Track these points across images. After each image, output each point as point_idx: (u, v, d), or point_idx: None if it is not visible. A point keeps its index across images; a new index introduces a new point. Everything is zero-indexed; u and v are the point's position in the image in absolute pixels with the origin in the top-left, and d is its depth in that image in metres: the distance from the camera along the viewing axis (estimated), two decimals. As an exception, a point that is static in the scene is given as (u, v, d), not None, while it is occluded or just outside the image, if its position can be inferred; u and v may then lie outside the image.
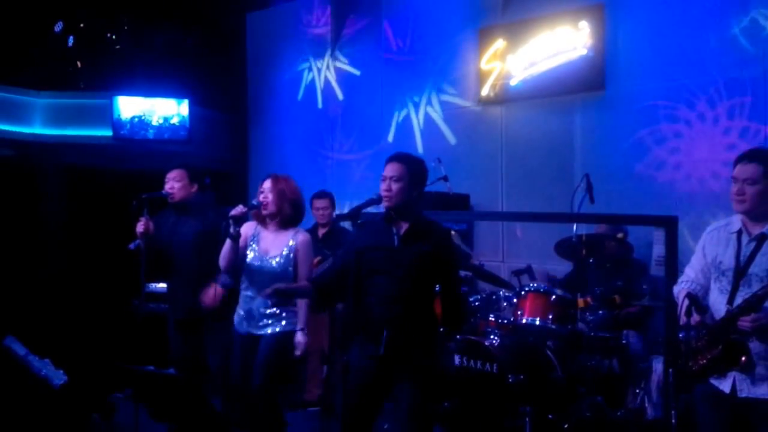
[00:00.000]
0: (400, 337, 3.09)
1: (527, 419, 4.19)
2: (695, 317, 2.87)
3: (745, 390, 2.79)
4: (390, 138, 7.12)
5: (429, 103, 6.80)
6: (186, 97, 8.04)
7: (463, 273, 5.07)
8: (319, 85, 7.80)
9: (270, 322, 3.86)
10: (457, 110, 6.61)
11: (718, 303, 2.91)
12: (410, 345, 3.12)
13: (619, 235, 4.92)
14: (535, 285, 4.79)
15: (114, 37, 8.29)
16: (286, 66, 8.16)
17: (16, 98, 7.61)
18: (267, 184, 3.91)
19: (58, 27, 7.95)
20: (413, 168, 3.19)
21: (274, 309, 3.86)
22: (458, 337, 4.44)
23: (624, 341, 4.54)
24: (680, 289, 3.04)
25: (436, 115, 6.76)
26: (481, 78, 6.36)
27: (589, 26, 5.62)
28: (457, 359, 4.50)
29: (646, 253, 4.99)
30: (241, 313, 3.94)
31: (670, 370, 3.13)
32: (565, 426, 4.29)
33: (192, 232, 4.35)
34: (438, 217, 3.42)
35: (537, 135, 6.03)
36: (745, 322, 2.72)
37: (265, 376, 3.80)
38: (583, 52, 5.67)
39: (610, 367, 4.55)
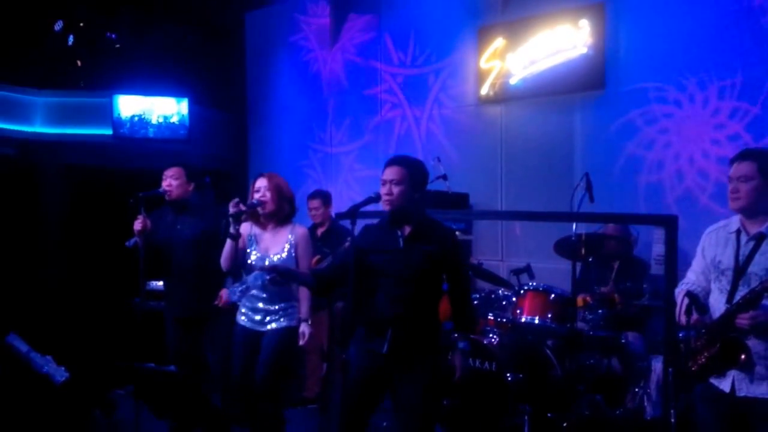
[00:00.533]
0: (404, 336, 3.10)
1: (526, 418, 4.20)
2: (695, 316, 2.88)
3: (744, 389, 2.79)
4: (387, 132, 7.14)
5: (429, 102, 6.81)
6: (186, 96, 8.05)
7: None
8: (321, 78, 7.82)
9: (273, 318, 3.88)
10: (456, 109, 6.62)
11: (718, 303, 2.91)
12: (414, 344, 3.13)
13: (632, 239, 4.94)
14: (534, 284, 4.80)
15: (114, 36, 8.28)
16: (285, 64, 8.17)
17: (16, 97, 7.60)
18: (262, 183, 3.90)
19: (58, 26, 7.94)
20: (413, 170, 3.19)
21: (276, 306, 3.88)
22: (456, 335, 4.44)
23: (623, 340, 4.55)
24: (680, 290, 3.04)
25: (436, 113, 6.76)
26: (480, 77, 6.36)
27: (590, 25, 5.63)
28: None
29: (643, 251, 5.03)
30: (244, 310, 3.95)
31: (670, 369, 3.13)
32: (564, 425, 4.29)
33: (191, 230, 4.36)
34: (437, 216, 3.42)
35: (537, 134, 6.04)
36: (743, 319, 2.72)
37: (270, 372, 3.81)
38: (584, 50, 5.67)
39: (610, 366, 4.56)
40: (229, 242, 3.76)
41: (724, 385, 2.84)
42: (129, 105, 7.88)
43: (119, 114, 7.84)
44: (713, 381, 2.89)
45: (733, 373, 2.81)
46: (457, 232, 3.45)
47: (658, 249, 4.10)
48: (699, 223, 3.37)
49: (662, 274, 3.68)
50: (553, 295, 4.60)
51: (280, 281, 3.65)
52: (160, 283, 5.52)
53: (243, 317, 3.95)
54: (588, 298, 4.79)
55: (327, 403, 4.90)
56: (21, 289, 6.67)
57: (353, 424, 3.18)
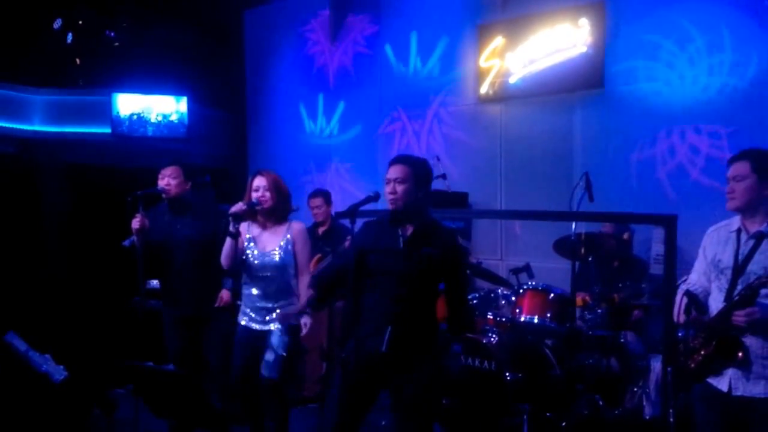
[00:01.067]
0: (402, 335, 3.10)
1: (525, 417, 4.20)
2: (694, 315, 2.88)
3: (740, 388, 2.79)
4: (387, 132, 7.14)
5: (428, 101, 6.81)
6: (185, 95, 8.05)
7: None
8: (321, 76, 7.81)
9: (275, 317, 3.88)
10: (456, 108, 6.62)
11: (716, 302, 2.92)
12: (412, 343, 3.13)
13: (625, 236, 4.94)
14: (534, 283, 4.80)
15: (113, 34, 8.27)
16: (284, 63, 8.16)
17: (16, 95, 7.60)
18: (260, 181, 3.88)
19: (57, 24, 7.93)
20: (417, 169, 3.20)
21: (277, 303, 3.88)
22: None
23: (622, 340, 4.55)
24: (680, 290, 3.04)
25: (435, 112, 6.76)
26: (480, 75, 6.36)
27: (590, 24, 5.63)
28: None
29: (642, 250, 5.03)
30: (246, 310, 3.94)
31: (669, 368, 3.13)
32: (563, 424, 4.29)
33: (190, 229, 4.35)
34: (436, 215, 3.42)
35: (536, 133, 6.04)
36: (739, 316, 2.73)
37: (281, 369, 3.80)
38: (583, 49, 5.67)
39: (609, 365, 4.55)
40: (229, 241, 3.76)
41: (722, 384, 2.85)
42: (128, 103, 7.87)
43: (118, 112, 7.83)
44: (711, 380, 2.89)
45: (730, 373, 2.82)
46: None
47: (657, 248, 4.10)
48: (699, 223, 3.36)
49: (661, 274, 3.67)
50: (552, 295, 4.60)
51: (294, 322, 3.68)
52: (159, 282, 5.52)
53: (244, 318, 3.94)
54: (587, 298, 4.79)
55: (327, 402, 4.90)
56: (19, 287, 6.66)
57: (348, 422, 3.19)
